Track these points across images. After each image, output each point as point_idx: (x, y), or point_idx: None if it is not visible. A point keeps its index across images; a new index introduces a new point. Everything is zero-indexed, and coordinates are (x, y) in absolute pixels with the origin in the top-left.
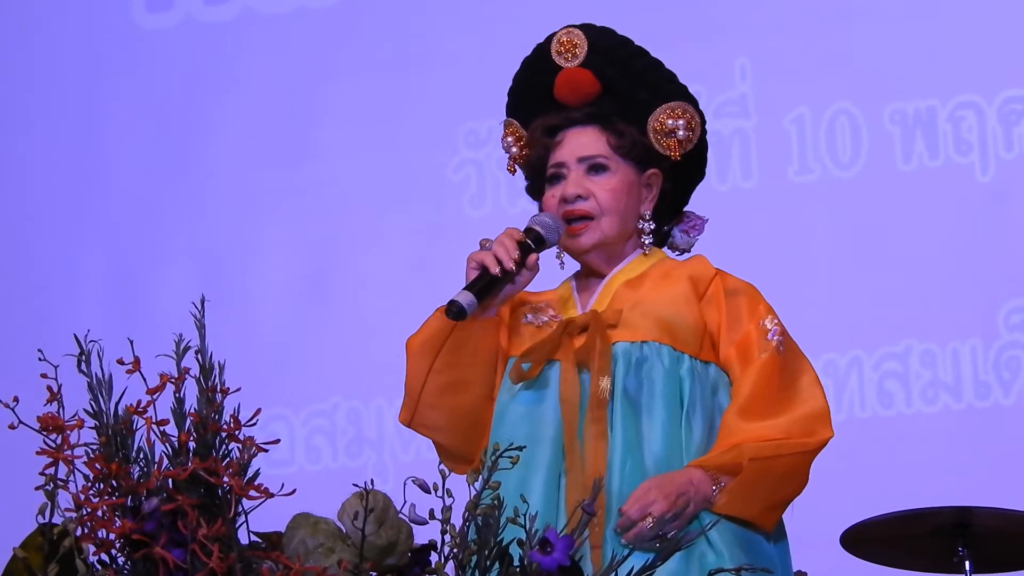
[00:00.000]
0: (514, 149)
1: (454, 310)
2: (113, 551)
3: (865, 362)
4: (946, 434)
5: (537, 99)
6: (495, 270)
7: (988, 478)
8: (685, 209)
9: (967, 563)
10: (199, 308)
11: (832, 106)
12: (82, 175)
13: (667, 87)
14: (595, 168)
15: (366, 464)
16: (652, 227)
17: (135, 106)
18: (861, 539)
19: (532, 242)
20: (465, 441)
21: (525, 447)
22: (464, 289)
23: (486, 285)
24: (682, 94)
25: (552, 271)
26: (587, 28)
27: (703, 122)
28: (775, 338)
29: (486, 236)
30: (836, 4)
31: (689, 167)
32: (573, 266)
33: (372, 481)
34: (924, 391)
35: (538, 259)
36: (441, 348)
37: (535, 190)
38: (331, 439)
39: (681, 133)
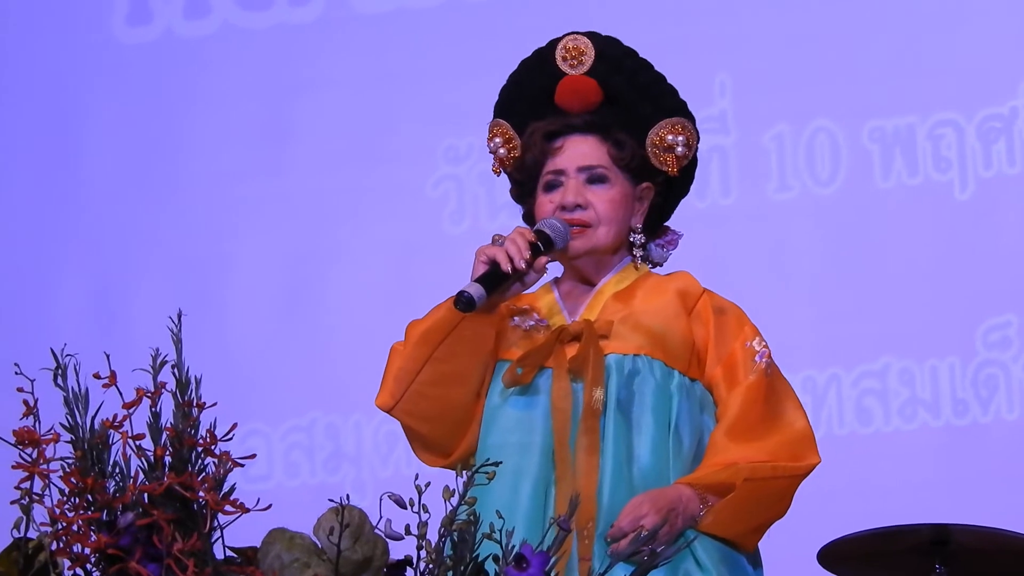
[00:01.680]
0: (502, 151)
1: (464, 301)
2: (88, 565)
3: (844, 379)
4: (924, 451)
5: (534, 103)
6: (506, 267)
7: (966, 495)
8: (664, 224)
9: None
10: (176, 322)
11: (811, 123)
12: (59, 189)
13: (670, 102)
14: (595, 179)
15: (344, 479)
16: (643, 240)
17: (113, 119)
18: (839, 556)
19: (542, 244)
20: (448, 434)
21: (511, 459)
22: (474, 281)
23: (496, 281)
24: (683, 110)
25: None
26: (593, 36)
27: (698, 140)
28: (763, 360)
29: (466, 252)
30: (816, 22)
31: (680, 183)
32: (554, 272)
33: (348, 496)
34: (902, 408)
35: (547, 262)
36: (445, 338)
37: (522, 194)
38: (309, 454)
39: (680, 149)
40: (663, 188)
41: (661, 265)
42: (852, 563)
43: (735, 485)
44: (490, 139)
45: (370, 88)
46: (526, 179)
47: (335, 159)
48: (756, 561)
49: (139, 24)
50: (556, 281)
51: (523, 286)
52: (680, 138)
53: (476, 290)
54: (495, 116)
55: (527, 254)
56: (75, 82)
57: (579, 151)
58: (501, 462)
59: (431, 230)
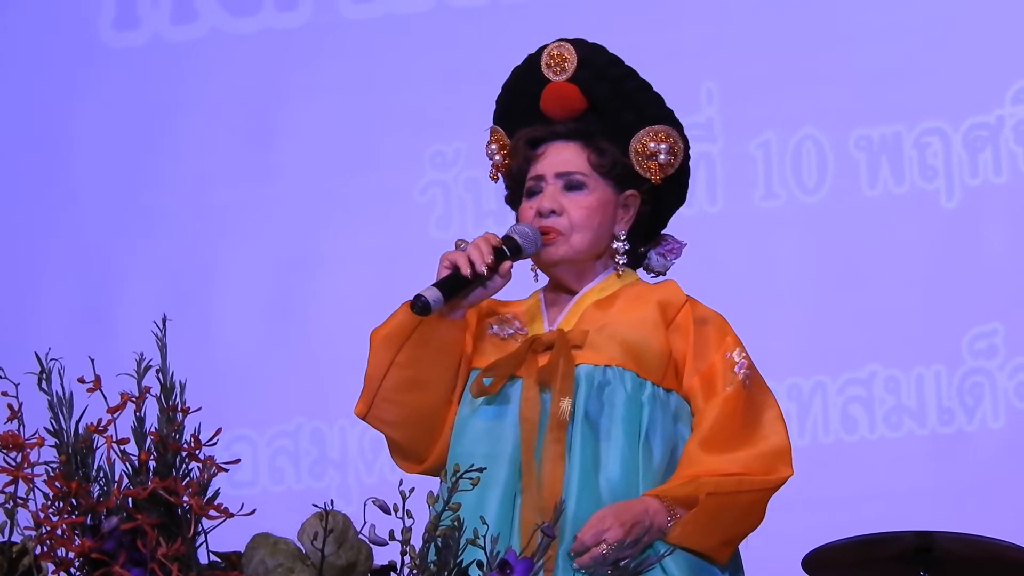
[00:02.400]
0: (497, 157)
1: (419, 304)
2: (72, 569)
3: (829, 387)
4: (910, 459)
5: (523, 109)
6: (467, 271)
7: (951, 503)
8: (663, 232)
9: None
10: (160, 327)
11: (798, 131)
12: (45, 193)
13: (653, 110)
14: (572, 185)
15: (329, 485)
16: (626, 247)
17: (100, 123)
18: (823, 563)
19: (509, 250)
20: (419, 440)
21: (485, 468)
22: (432, 285)
23: (456, 285)
24: (668, 118)
25: (526, 282)
26: (578, 43)
27: (686, 147)
28: (741, 372)
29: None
30: (802, 30)
31: (669, 191)
32: (545, 278)
33: (332, 502)
34: (888, 416)
35: (511, 267)
36: (405, 342)
37: (513, 201)
38: (294, 460)
39: (663, 157)
40: (651, 196)
41: (663, 274)
42: (837, 570)
43: (699, 498)
44: (488, 145)
45: (357, 93)
46: (514, 185)
47: (322, 164)
48: (735, 571)
49: (126, 29)
50: (544, 288)
51: (486, 291)
52: (663, 146)
53: (432, 294)
54: (493, 122)
55: (489, 259)
56: (62, 86)
57: (559, 157)
58: (485, 468)
59: (418, 235)
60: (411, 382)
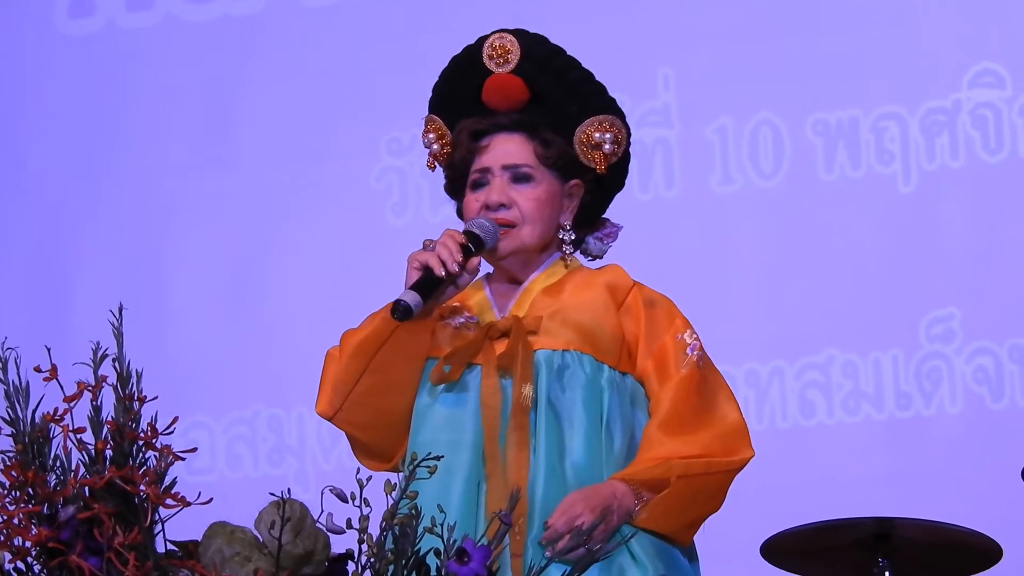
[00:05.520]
0: (435, 146)
1: (401, 310)
2: (29, 559)
3: (787, 372)
4: (867, 444)
5: (464, 100)
6: (440, 272)
7: (909, 488)
8: (602, 216)
9: (887, 574)
10: (117, 316)
11: (755, 116)
12: None
13: (597, 100)
14: (520, 177)
15: (287, 472)
16: (573, 237)
17: (54, 111)
18: (781, 550)
19: (473, 245)
20: (387, 440)
21: (443, 456)
22: (409, 289)
23: (430, 286)
24: (611, 108)
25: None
26: (520, 34)
27: (629, 135)
28: (694, 353)
29: (409, 244)
30: (759, 15)
31: (611, 178)
32: (485, 268)
33: (289, 490)
34: (845, 401)
35: (479, 262)
36: (380, 348)
37: (454, 190)
38: (252, 447)
39: (607, 147)
40: (594, 184)
41: (600, 257)
42: (795, 556)
43: (669, 481)
44: (424, 134)
45: (314, 81)
46: (456, 176)
47: (278, 152)
48: (692, 555)
49: (81, 16)
50: (488, 277)
51: (457, 288)
52: (608, 135)
53: (412, 298)
54: (429, 111)
55: (459, 257)
56: (15, 74)
57: (504, 150)
58: (442, 456)
59: (374, 222)
60: (385, 385)
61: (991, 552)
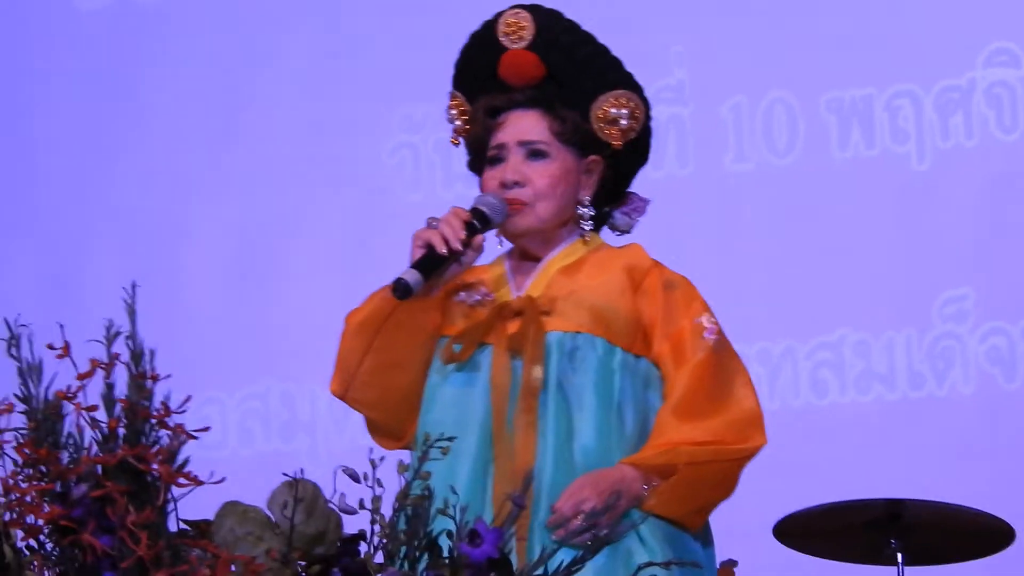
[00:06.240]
0: (458, 122)
1: (400, 288)
2: (41, 537)
3: (799, 351)
4: (880, 424)
5: (481, 76)
6: (442, 249)
7: (921, 469)
8: (628, 191)
9: (899, 555)
10: (130, 293)
11: (768, 94)
12: (10, 158)
13: (612, 75)
14: (534, 153)
15: (299, 448)
16: (591, 213)
17: (67, 89)
18: (793, 530)
19: (478, 222)
20: (397, 418)
21: (456, 437)
22: (410, 267)
23: (432, 264)
24: (627, 82)
25: (490, 247)
26: (535, 10)
27: (647, 110)
28: (711, 337)
29: (422, 220)
30: None
31: (632, 153)
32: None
33: (302, 470)
34: (858, 381)
35: (484, 239)
36: (382, 327)
37: (475, 167)
38: (264, 422)
39: (624, 122)
40: (613, 160)
41: (628, 231)
42: (808, 537)
43: (677, 467)
44: (447, 110)
45: (327, 56)
46: (475, 153)
47: (290, 128)
48: (706, 539)
49: None
50: (509, 253)
51: (461, 266)
52: (623, 111)
53: (412, 276)
54: (452, 86)
55: (462, 234)
56: (27, 50)
57: (519, 126)
58: (455, 437)
59: (387, 198)
60: (388, 364)
61: (1003, 534)
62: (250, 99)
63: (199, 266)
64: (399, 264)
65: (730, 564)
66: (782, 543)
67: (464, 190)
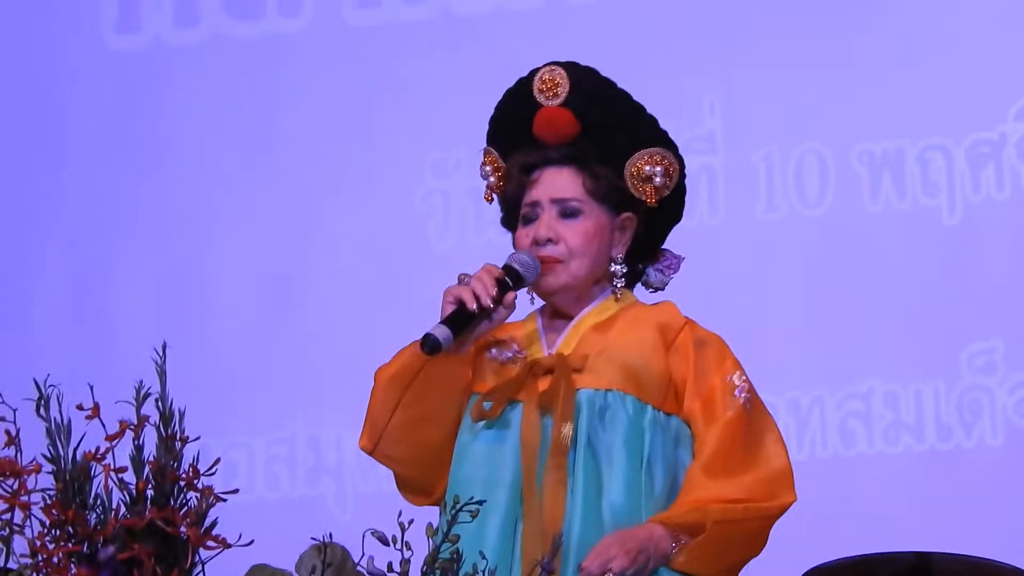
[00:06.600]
0: (492, 179)
1: (429, 344)
2: None
3: (828, 401)
4: (908, 476)
5: (516, 133)
6: (472, 306)
7: (948, 521)
8: (662, 247)
9: None
10: (160, 355)
11: (800, 145)
12: (41, 200)
13: (647, 132)
14: (568, 212)
15: (325, 493)
16: (624, 270)
17: (99, 126)
18: None
19: (511, 280)
20: (427, 474)
21: (485, 500)
22: (440, 323)
23: (462, 321)
24: (662, 140)
25: (522, 303)
26: (570, 67)
27: (682, 167)
28: (742, 395)
29: (457, 268)
30: (807, 43)
31: (666, 210)
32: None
33: (331, 535)
34: (886, 432)
35: (516, 297)
36: (412, 382)
37: (509, 224)
38: (291, 467)
39: (658, 180)
40: (647, 216)
41: (662, 289)
42: None
43: (705, 526)
44: (482, 166)
45: (358, 99)
46: (509, 210)
47: (320, 170)
48: None
49: (128, 32)
50: (542, 310)
51: (491, 324)
52: (658, 168)
53: (442, 332)
54: (487, 142)
55: (493, 291)
56: (62, 87)
57: (553, 184)
58: (484, 500)
59: (417, 244)
60: (418, 420)
61: None
62: (280, 139)
63: (226, 308)
64: (428, 313)
65: None
66: None
67: (494, 237)
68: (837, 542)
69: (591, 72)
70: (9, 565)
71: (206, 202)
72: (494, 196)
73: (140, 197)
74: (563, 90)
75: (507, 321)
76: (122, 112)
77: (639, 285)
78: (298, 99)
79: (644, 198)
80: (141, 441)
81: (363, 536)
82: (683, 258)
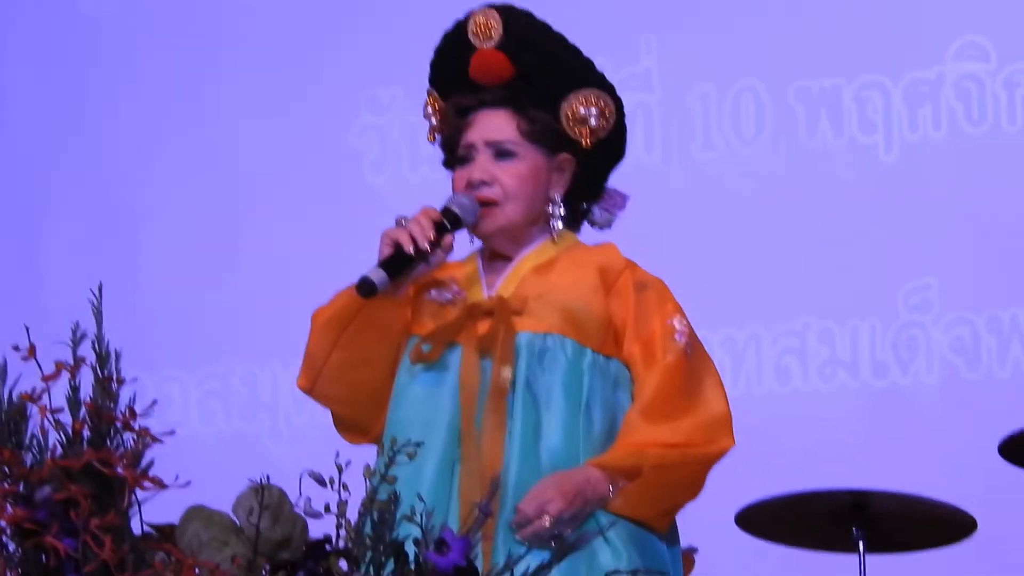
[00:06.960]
0: (433, 120)
1: (365, 287)
2: (4, 538)
3: (763, 338)
4: (843, 412)
5: (454, 75)
6: (410, 249)
7: (884, 457)
8: (606, 186)
9: (861, 544)
10: (96, 296)
11: (737, 82)
12: None
13: (582, 74)
14: (502, 153)
15: (260, 428)
16: (562, 212)
17: (30, 74)
18: (756, 519)
19: (449, 222)
20: (364, 414)
21: (422, 442)
22: (376, 266)
23: (399, 263)
24: (597, 81)
25: (462, 244)
26: (504, 10)
27: (620, 108)
28: (682, 339)
29: (387, 203)
30: None
31: (605, 151)
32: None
33: (268, 476)
34: (821, 368)
35: (454, 240)
36: (348, 324)
37: (450, 165)
38: (225, 402)
39: (594, 121)
40: (586, 157)
41: (608, 226)
42: (770, 526)
43: (643, 470)
44: (424, 107)
45: (293, 37)
46: (448, 152)
47: (255, 109)
48: (672, 538)
49: None
50: (481, 252)
51: (429, 266)
52: (593, 109)
53: (378, 275)
54: (428, 84)
55: (431, 234)
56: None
57: (488, 126)
58: (422, 442)
59: (352, 180)
60: (355, 361)
61: (965, 524)
62: (214, 78)
63: (163, 246)
64: (364, 248)
65: (691, 551)
66: (744, 531)
67: (429, 172)
68: (772, 480)
69: (526, 15)
70: None
71: (137, 139)
72: (436, 137)
73: (71, 135)
74: (496, 33)
75: (447, 260)
76: (53, 54)
77: (585, 224)
78: (232, 35)
79: (580, 139)
80: (77, 382)
81: (300, 478)
82: (628, 196)
